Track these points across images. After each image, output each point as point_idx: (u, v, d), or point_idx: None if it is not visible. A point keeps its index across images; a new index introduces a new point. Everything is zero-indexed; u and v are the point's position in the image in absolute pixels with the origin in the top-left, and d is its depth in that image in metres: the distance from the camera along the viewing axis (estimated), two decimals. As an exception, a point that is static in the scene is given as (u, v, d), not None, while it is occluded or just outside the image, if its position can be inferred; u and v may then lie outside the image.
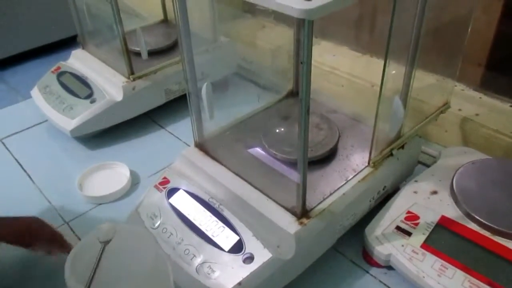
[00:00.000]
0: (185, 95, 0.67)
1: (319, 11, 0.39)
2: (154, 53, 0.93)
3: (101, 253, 0.45)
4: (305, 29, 0.41)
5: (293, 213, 0.56)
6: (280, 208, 0.57)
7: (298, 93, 0.80)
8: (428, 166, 0.79)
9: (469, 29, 0.70)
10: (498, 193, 0.62)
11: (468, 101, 0.82)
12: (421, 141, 0.71)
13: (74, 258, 0.46)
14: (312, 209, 0.57)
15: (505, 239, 0.57)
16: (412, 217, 0.62)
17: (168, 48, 0.95)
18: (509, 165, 0.66)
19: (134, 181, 0.79)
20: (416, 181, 0.67)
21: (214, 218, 0.58)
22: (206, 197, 0.61)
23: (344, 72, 0.93)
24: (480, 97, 0.83)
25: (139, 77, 0.87)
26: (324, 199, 0.58)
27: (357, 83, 0.91)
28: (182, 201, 0.62)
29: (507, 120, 0.76)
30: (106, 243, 0.45)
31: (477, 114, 0.78)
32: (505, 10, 0.85)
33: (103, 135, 0.88)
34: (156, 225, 0.61)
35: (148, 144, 0.89)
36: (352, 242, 0.65)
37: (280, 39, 1.10)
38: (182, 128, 0.92)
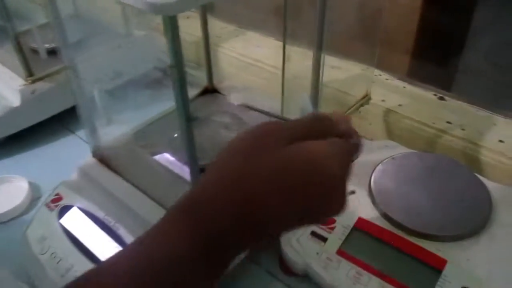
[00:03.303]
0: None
1: (181, 4, 0.33)
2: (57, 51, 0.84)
3: None
4: (167, 27, 0.35)
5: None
6: (180, 223, 0.51)
7: (213, 90, 0.75)
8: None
9: (383, 15, 0.67)
10: (416, 190, 0.59)
11: (392, 91, 0.79)
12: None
13: None
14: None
15: (421, 240, 0.54)
16: (328, 221, 0.58)
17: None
18: (429, 159, 0.64)
19: (36, 195, 0.71)
20: (334, 180, 0.63)
21: (108, 239, 0.52)
22: (101, 215, 0.55)
23: (268, 64, 0.88)
24: (404, 87, 0.80)
25: (40, 79, 0.79)
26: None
27: (280, 75, 0.86)
28: (75, 221, 0.55)
29: (430, 110, 0.74)
30: None
31: (400, 105, 0.76)
32: (427, -5, 0.82)
33: (1, 145, 0.80)
34: (45, 250, 0.54)
35: (55, 152, 0.81)
36: (268, 251, 0.60)
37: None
38: (96, 132, 0.84)
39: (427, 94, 0.78)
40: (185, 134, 0.42)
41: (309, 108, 0.57)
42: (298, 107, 0.59)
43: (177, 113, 0.41)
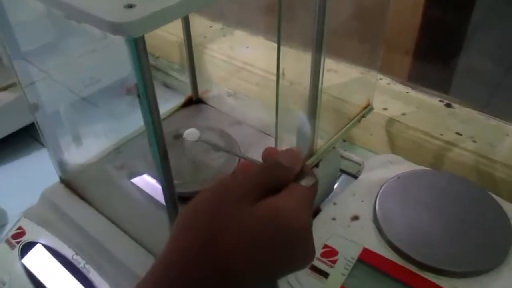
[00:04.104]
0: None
1: (146, 24, 0.26)
2: (25, 57, 0.76)
3: None
4: (132, 50, 0.27)
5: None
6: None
7: (198, 100, 0.68)
8: (353, 175, 0.69)
9: (389, 11, 0.60)
10: (426, 217, 0.53)
11: (395, 98, 0.72)
12: (339, 154, 0.61)
13: None
14: (200, 263, 0.44)
15: (434, 275, 0.48)
16: (329, 253, 0.52)
17: (44, 49, 0.78)
18: (439, 178, 0.57)
19: (1, 222, 0.64)
20: (335, 203, 0.57)
21: (77, 284, 0.45)
22: (69, 254, 0.48)
23: (259, 67, 0.81)
24: (408, 92, 0.74)
25: (4, 89, 0.71)
26: (217, 248, 0.46)
27: (273, 80, 0.79)
28: (39, 261, 0.48)
29: (437, 120, 0.68)
30: None
31: (404, 114, 0.69)
32: (430, -9, 0.75)
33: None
34: (4, 296, 0.47)
35: (24, 170, 0.73)
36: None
37: (192, 29, 0.96)
38: (70, 145, 0.77)
39: (433, 101, 0.71)
40: (161, 172, 0.35)
41: (306, 129, 0.50)
42: (293, 124, 0.52)
43: (151, 149, 0.33)
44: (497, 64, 0.86)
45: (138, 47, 0.27)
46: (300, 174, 0.35)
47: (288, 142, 0.50)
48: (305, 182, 0.34)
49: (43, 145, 0.78)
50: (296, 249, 0.31)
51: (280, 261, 0.30)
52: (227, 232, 0.28)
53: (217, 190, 0.31)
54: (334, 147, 0.58)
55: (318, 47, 0.48)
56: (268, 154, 0.36)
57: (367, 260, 0.50)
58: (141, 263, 0.45)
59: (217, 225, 0.29)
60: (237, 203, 0.29)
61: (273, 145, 0.59)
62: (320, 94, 0.51)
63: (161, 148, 0.33)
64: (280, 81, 0.42)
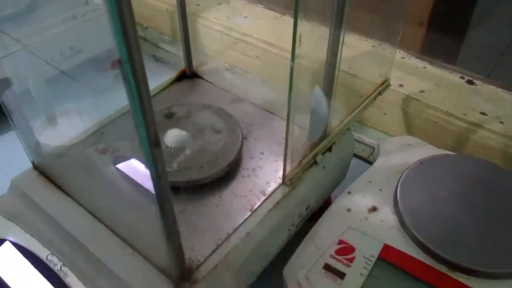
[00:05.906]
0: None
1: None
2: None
3: None
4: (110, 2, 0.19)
5: (168, 276, 0.37)
6: (151, 268, 0.38)
7: (193, 74, 0.60)
8: (364, 160, 0.63)
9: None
10: (456, 208, 0.46)
11: (411, 73, 0.65)
12: (353, 137, 0.54)
13: None
14: (198, 266, 0.38)
15: (468, 277, 0.42)
16: (345, 249, 0.45)
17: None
18: (468, 163, 0.51)
19: (-32, 212, 0.56)
20: (349, 192, 0.50)
21: (53, 290, 0.38)
22: (44, 254, 0.40)
23: (259, 39, 0.73)
24: (425, 67, 0.67)
25: (-30, 60, 0.62)
26: (218, 247, 0.39)
27: (275, 53, 0.71)
28: (8, 262, 0.41)
29: (459, 98, 0.61)
30: None
31: (422, 91, 0.62)
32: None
33: None
34: (-33, 303, 0.40)
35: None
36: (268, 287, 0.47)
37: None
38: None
39: (453, 77, 0.65)
40: (151, 162, 0.27)
41: (323, 108, 0.42)
42: (304, 103, 0.45)
43: (138, 134, 0.26)
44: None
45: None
46: None
47: (299, 123, 0.43)
48: None
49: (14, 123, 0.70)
50: None
51: None
52: None
53: None
54: (348, 129, 0.51)
55: (338, 18, 0.41)
56: None
57: (388, 259, 0.44)
58: (127, 265, 0.38)
59: None
60: None
61: (280, 126, 0.52)
62: (338, 70, 0.44)
63: (151, 133, 0.25)
64: (297, 50, 0.34)
